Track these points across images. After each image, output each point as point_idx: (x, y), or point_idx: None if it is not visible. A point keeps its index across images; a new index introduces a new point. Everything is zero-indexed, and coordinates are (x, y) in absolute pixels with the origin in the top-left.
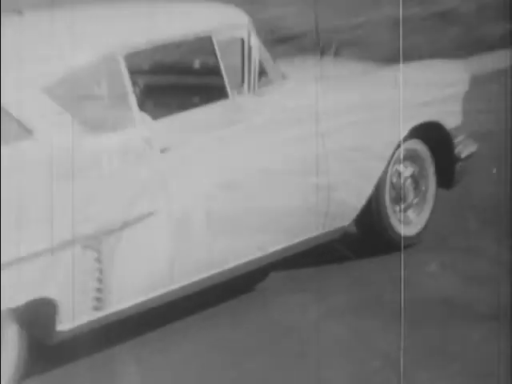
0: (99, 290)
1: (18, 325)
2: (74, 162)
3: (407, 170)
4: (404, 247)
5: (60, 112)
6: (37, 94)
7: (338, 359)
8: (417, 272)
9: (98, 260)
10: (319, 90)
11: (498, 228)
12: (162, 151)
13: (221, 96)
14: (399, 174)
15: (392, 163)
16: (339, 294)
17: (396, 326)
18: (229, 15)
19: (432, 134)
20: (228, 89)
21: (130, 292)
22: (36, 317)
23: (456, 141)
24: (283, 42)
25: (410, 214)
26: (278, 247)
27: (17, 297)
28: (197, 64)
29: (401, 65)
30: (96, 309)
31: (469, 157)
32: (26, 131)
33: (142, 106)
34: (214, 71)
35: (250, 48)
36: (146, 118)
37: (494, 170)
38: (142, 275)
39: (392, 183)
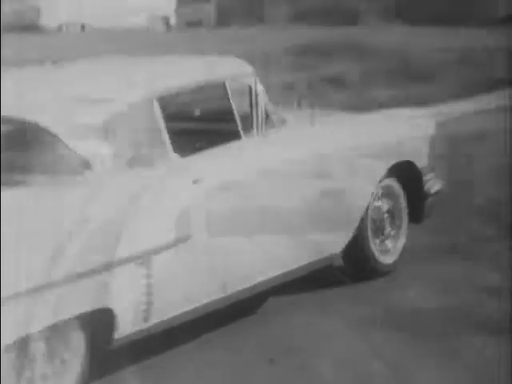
0: (148, 303)
1: (83, 331)
2: (127, 190)
3: (384, 206)
4: (383, 274)
5: (109, 148)
6: (90, 131)
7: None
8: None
9: (148, 276)
10: (313, 134)
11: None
12: (195, 182)
13: (235, 137)
14: (378, 210)
15: (372, 200)
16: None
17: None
18: (238, 66)
19: (404, 173)
20: (240, 131)
21: (173, 305)
22: (97, 325)
23: (425, 179)
24: None
25: (388, 244)
26: (281, 271)
27: (82, 307)
28: (214, 108)
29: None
30: (145, 320)
31: (436, 193)
32: (85, 164)
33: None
34: (228, 115)
35: (256, 94)
36: (176, 155)
37: None
38: (184, 290)
39: (372, 218)
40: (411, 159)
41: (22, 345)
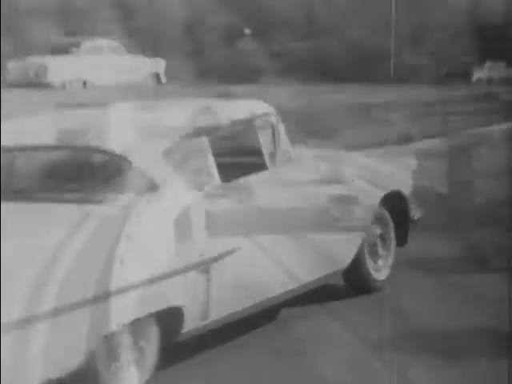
0: (207, 303)
1: (157, 326)
2: (187, 209)
3: (377, 230)
4: (378, 289)
5: (171, 172)
6: (157, 156)
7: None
8: None
9: (207, 280)
10: (322, 167)
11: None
12: (240, 202)
13: (262, 168)
14: (372, 234)
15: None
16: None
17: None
18: (263, 107)
19: (393, 201)
20: (267, 163)
21: (226, 305)
22: (168, 321)
23: (410, 206)
24: None
25: (380, 263)
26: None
27: (158, 305)
28: (245, 143)
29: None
30: (204, 318)
31: (418, 220)
32: (154, 185)
33: None
34: (257, 149)
35: (278, 131)
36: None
37: None
38: (233, 293)
39: (368, 241)
40: (400, 189)
41: (111, 337)
